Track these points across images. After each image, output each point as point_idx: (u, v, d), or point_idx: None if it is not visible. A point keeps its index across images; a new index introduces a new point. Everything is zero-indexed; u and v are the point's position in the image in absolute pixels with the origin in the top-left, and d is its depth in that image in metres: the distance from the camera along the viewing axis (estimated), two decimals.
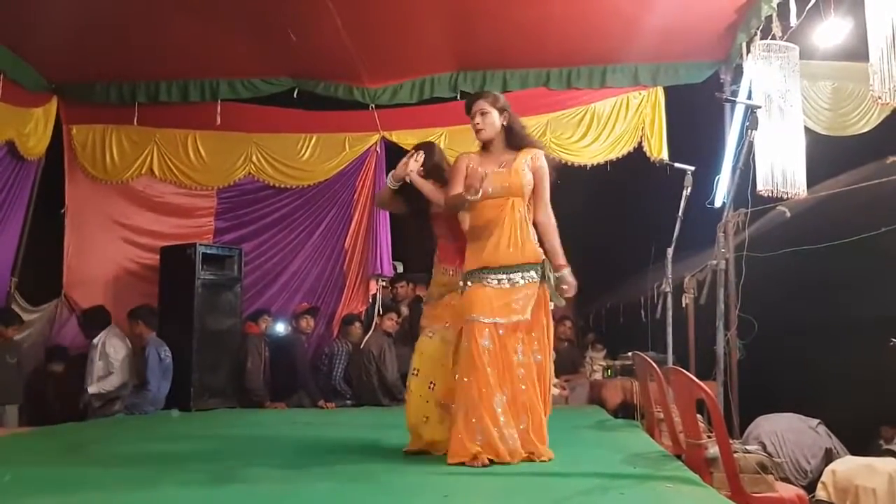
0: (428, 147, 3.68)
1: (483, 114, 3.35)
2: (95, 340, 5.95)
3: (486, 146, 3.43)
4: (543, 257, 3.28)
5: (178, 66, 6.56)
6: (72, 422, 5.38)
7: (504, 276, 3.21)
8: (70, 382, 6.04)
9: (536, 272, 3.24)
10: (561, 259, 3.31)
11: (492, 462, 3.00)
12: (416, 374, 3.43)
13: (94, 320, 6.10)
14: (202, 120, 6.92)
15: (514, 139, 3.40)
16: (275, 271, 7.10)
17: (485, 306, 3.17)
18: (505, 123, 3.38)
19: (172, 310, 6.20)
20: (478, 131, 3.38)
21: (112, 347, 5.88)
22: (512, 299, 3.20)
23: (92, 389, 5.74)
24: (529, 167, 3.33)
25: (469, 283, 3.27)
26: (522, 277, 3.23)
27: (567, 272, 3.31)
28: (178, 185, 7.13)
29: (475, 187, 3.15)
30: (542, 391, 3.22)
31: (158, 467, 3.24)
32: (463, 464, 2.99)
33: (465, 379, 3.12)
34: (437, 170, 3.62)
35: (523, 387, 3.16)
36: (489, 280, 3.22)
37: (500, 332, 3.16)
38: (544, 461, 3.12)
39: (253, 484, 2.84)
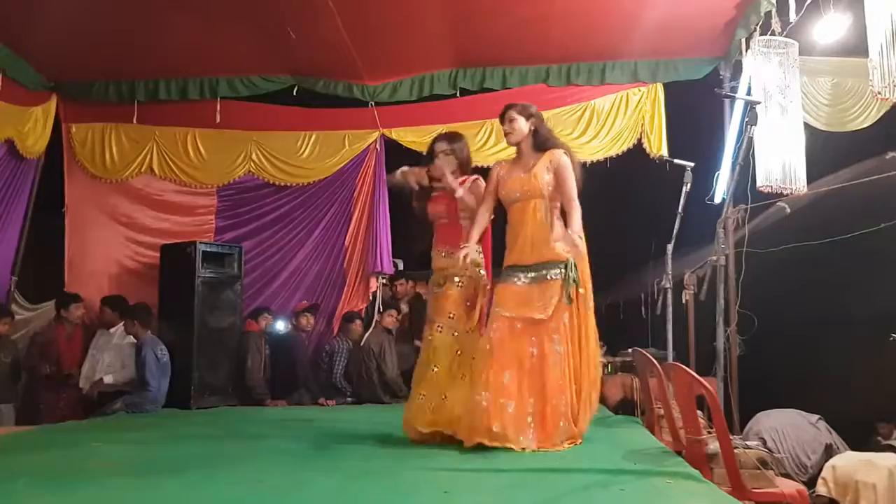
0: (459, 138, 4.04)
1: (511, 121, 3.73)
2: (112, 329, 6.02)
3: (518, 151, 3.79)
4: (567, 257, 3.51)
5: (177, 64, 6.56)
6: (72, 420, 5.39)
7: (532, 273, 3.56)
8: (85, 334, 6.16)
9: (560, 270, 3.51)
10: (576, 226, 3.48)
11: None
12: (437, 370, 3.69)
13: (116, 309, 6.12)
14: (202, 118, 6.92)
15: (540, 142, 3.72)
16: (275, 269, 7.10)
17: (507, 302, 3.55)
18: (532, 128, 3.72)
19: (173, 308, 6.20)
20: (506, 135, 3.78)
21: (126, 341, 5.93)
22: (534, 297, 3.53)
23: (108, 379, 5.77)
24: (549, 169, 3.62)
25: (500, 280, 3.66)
26: (548, 274, 3.53)
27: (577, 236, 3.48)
28: (178, 183, 7.12)
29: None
30: (571, 378, 3.47)
31: (160, 464, 3.25)
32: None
33: (479, 360, 3.50)
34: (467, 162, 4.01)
35: (543, 375, 3.43)
36: (517, 278, 3.59)
37: (518, 325, 3.50)
38: (557, 448, 3.32)
39: (254, 481, 2.84)
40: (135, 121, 6.93)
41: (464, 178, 3.91)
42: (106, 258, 6.98)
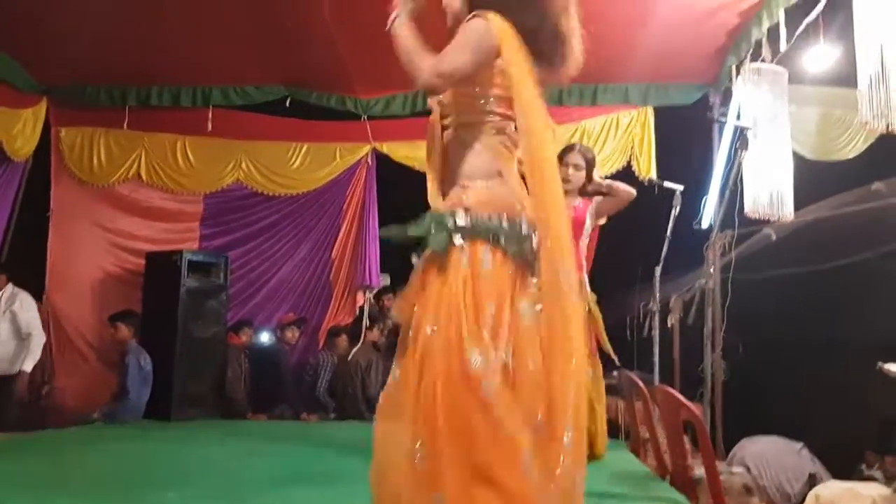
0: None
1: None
2: None
3: None
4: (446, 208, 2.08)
5: (170, 71, 6.51)
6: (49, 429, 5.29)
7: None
8: None
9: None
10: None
11: None
12: None
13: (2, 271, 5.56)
14: (192, 125, 6.87)
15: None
16: (261, 280, 7.05)
17: None
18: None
19: (156, 316, 6.11)
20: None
21: (20, 302, 5.45)
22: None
23: (27, 367, 5.27)
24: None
25: None
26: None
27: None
28: (164, 190, 7.06)
29: None
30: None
31: (137, 479, 3.20)
32: None
33: None
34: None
35: None
36: None
37: None
38: None
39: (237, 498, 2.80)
40: (125, 126, 6.86)
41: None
42: (91, 264, 6.87)
